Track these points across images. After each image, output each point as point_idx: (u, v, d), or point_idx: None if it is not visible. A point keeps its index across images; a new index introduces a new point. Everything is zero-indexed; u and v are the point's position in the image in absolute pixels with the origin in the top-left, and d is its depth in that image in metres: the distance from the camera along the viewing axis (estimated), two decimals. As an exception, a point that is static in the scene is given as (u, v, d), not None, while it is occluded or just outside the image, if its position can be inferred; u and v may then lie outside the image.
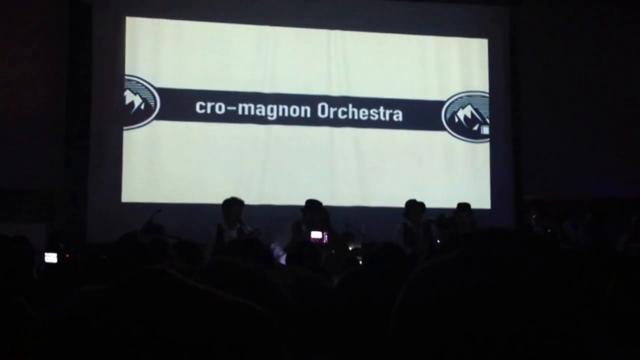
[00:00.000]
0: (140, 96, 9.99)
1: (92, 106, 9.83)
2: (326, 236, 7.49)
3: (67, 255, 5.91)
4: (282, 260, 7.37)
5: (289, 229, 8.17)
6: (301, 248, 4.86)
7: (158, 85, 10.01)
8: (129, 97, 9.96)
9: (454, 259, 0.93)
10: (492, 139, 10.83)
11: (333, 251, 7.54)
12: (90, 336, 1.00)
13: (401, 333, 0.92)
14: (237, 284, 1.62)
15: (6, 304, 2.24)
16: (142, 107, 9.97)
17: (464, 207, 8.72)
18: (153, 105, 9.99)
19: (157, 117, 9.98)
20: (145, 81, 9.99)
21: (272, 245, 7.69)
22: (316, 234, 7.53)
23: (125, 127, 9.91)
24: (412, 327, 0.91)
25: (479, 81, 10.91)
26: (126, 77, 9.96)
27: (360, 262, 6.02)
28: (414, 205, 8.57)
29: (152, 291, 1.04)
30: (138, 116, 9.95)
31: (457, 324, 0.87)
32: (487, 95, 10.91)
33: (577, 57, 11.05)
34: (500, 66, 10.96)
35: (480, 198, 10.24)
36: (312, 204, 8.42)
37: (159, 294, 1.03)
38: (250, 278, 1.68)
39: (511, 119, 10.96)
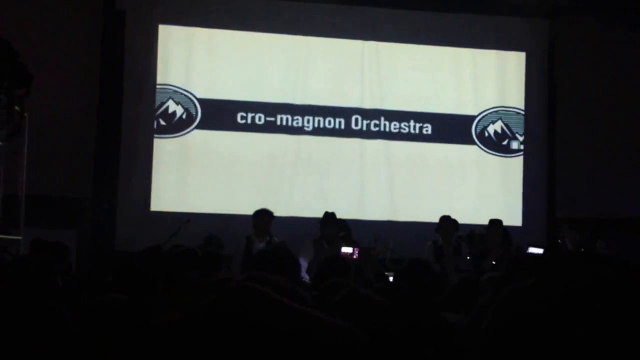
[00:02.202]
0: (182, 106, 9.99)
1: (123, 114, 9.86)
2: (357, 251, 7.42)
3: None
4: (305, 278, 7.32)
5: (310, 246, 8.10)
6: (332, 262, 4.77)
7: (193, 93, 10.02)
8: (171, 106, 9.98)
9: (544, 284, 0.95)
10: (526, 154, 10.67)
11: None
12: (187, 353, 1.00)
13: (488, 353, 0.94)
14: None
15: (42, 308, 2.21)
16: (184, 116, 9.97)
17: (495, 223, 8.60)
18: (194, 115, 9.99)
19: (197, 127, 9.99)
20: (186, 91, 10.01)
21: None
22: (346, 249, 7.47)
23: (156, 136, 9.92)
24: (502, 347, 0.92)
25: (514, 95, 10.75)
26: (158, 85, 9.98)
27: (391, 279, 5.91)
28: (447, 222, 8.48)
29: (249, 309, 1.02)
30: (178, 125, 9.96)
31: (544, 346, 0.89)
32: (521, 109, 10.75)
33: (617, 74, 10.84)
34: (537, 80, 10.79)
35: (511, 214, 10.09)
36: (325, 218, 8.32)
37: (255, 312, 1.01)
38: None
39: (546, 135, 10.79)
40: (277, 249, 3.62)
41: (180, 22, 10.10)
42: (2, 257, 7.40)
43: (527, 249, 8.26)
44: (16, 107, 7.56)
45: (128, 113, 9.90)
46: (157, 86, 9.97)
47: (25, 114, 7.98)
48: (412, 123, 10.45)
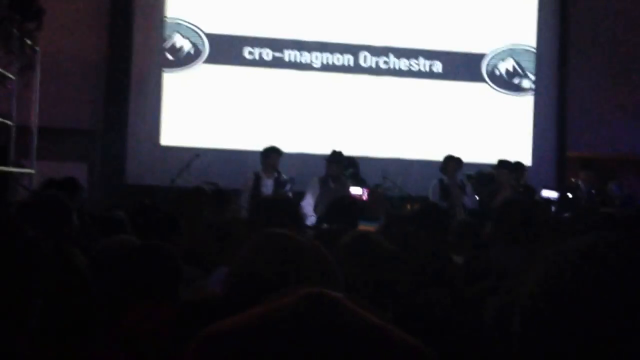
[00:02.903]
0: (190, 41, 9.94)
1: (133, 48, 9.83)
2: (366, 192, 7.43)
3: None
4: (312, 219, 7.37)
5: (316, 184, 8.12)
6: (341, 204, 4.74)
7: (203, 28, 9.95)
8: (178, 40, 9.92)
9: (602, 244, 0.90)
10: (537, 93, 10.62)
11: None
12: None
13: (538, 313, 0.89)
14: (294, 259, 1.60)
15: (60, 255, 2.25)
16: (192, 51, 9.93)
17: (504, 164, 8.58)
18: (202, 49, 9.95)
19: (205, 62, 9.95)
20: (194, 25, 9.94)
21: (302, 204, 7.66)
22: (355, 190, 7.48)
23: (165, 70, 9.90)
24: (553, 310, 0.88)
25: (525, 34, 10.64)
26: (168, 19, 9.91)
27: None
28: (451, 161, 8.46)
29: (324, 320, 0.98)
30: (186, 60, 9.93)
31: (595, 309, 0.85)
32: (533, 47, 10.66)
33: (631, 10, 10.70)
34: (550, 17, 10.66)
35: (521, 154, 10.10)
36: (331, 156, 8.29)
37: (331, 324, 0.98)
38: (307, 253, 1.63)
39: (557, 74, 10.72)
40: (282, 200, 3.60)
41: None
42: (16, 190, 7.51)
43: (540, 191, 8.28)
44: (28, 41, 7.56)
45: (138, 47, 9.86)
46: (166, 19, 9.90)
47: (37, 48, 7.98)
48: (421, 60, 10.38)
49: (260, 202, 3.88)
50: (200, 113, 9.91)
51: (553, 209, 7.89)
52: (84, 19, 9.68)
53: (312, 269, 1.52)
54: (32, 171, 8.07)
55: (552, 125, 10.68)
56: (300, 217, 2.96)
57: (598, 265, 0.87)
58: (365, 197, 7.36)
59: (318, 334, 0.97)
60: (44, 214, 2.88)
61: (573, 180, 9.16)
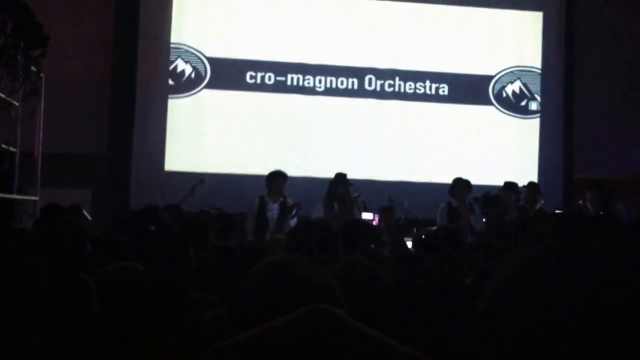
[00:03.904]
0: (191, 65, 9.96)
1: (138, 73, 9.84)
2: (377, 218, 7.35)
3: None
4: None
5: (320, 208, 8.05)
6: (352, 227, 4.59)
7: (207, 54, 9.97)
8: (180, 65, 9.94)
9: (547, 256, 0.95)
10: (543, 115, 10.60)
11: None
12: None
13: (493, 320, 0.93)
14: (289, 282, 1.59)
15: (71, 280, 2.21)
16: (193, 75, 9.94)
17: (510, 186, 8.58)
18: (203, 74, 9.96)
19: (207, 86, 9.96)
20: (196, 49, 9.95)
21: None
22: (367, 215, 7.40)
23: (170, 96, 9.90)
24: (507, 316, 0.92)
25: (531, 55, 10.65)
26: (172, 44, 9.93)
27: (409, 244, 5.88)
28: (459, 184, 8.43)
29: (324, 335, 1.00)
30: (187, 85, 9.93)
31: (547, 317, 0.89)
32: (539, 70, 10.65)
33: (635, 31, 10.69)
34: (555, 40, 10.67)
35: (528, 176, 10.04)
36: (336, 179, 8.21)
37: (332, 336, 1.00)
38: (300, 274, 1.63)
39: (563, 95, 10.70)
40: (322, 224, 3.45)
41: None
42: (20, 218, 7.46)
43: (554, 211, 8.24)
44: (32, 68, 7.55)
45: (142, 72, 9.87)
46: (171, 45, 9.92)
47: (42, 74, 7.97)
48: (427, 83, 10.37)
49: (300, 225, 3.79)
50: (204, 138, 9.88)
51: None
52: (89, 44, 9.71)
53: (315, 296, 1.53)
54: (36, 198, 8.02)
55: (558, 147, 10.63)
56: (335, 240, 2.88)
57: (539, 272, 0.93)
58: (376, 222, 7.28)
59: (319, 347, 1.00)
60: (59, 240, 2.84)
61: (580, 202, 9.10)
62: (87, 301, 2.05)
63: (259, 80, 10.03)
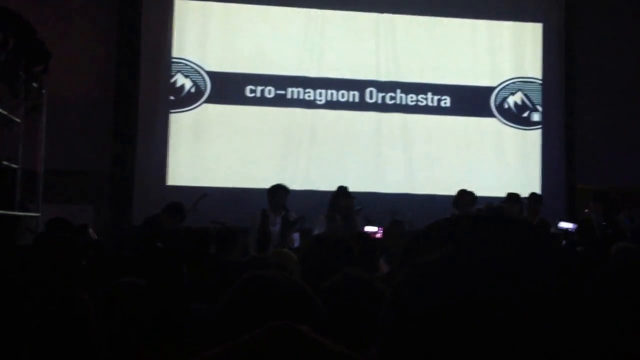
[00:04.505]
0: (191, 79, 9.98)
1: (140, 89, 9.86)
2: (381, 231, 7.31)
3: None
4: None
5: (323, 221, 8.04)
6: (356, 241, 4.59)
7: (208, 68, 9.99)
8: (179, 80, 9.96)
9: (442, 260, 0.89)
10: (545, 126, 10.59)
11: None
12: None
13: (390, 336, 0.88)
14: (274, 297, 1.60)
15: (70, 299, 2.21)
16: (193, 90, 9.97)
17: (513, 197, 8.56)
18: (203, 89, 9.98)
19: (207, 101, 9.97)
20: (196, 64, 9.98)
21: None
22: (371, 228, 7.36)
23: (172, 110, 9.92)
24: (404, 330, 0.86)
25: (532, 67, 10.66)
26: (173, 59, 9.96)
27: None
28: (464, 195, 8.42)
29: (287, 353, 0.99)
30: (188, 99, 9.95)
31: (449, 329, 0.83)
32: (540, 81, 10.66)
33: (636, 41, 10.70)
34: (555, 51, 10.68)
35: (530, 187, 10.02)
36: (338, 192, 8.21)
37: (294, 356, 0.99)
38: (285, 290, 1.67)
39: (565, 106, 10.70)
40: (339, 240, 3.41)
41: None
42: (22, 235, 7.46)
43: (557, 223, 8.21)
44: (34, 84, 7.58)
45: (144, 88, 9.89)
46: (173, 60, 9.95)
47: (44, 91, 8.00)
48: (429, 95, 10.37)
49: (316, 241, 3.79)
50: (206, 152, 9.89)
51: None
52: (91, 60, 9.74)
53: (292, 310, 1.55)
54: (38, 214, 8.03)
55: (560, 158, 10.62)
56: (353, 257, 2.89)
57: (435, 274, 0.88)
58: (379, 236, 7.24)
59: None
60: (52, 256, 2.84)
61: (586, 211, 9.06)
62: (83, 317, 2.04)
63: (258, 94, 10.04)
